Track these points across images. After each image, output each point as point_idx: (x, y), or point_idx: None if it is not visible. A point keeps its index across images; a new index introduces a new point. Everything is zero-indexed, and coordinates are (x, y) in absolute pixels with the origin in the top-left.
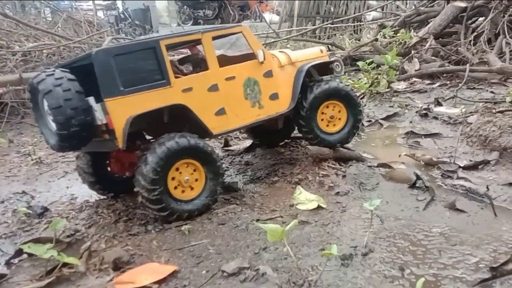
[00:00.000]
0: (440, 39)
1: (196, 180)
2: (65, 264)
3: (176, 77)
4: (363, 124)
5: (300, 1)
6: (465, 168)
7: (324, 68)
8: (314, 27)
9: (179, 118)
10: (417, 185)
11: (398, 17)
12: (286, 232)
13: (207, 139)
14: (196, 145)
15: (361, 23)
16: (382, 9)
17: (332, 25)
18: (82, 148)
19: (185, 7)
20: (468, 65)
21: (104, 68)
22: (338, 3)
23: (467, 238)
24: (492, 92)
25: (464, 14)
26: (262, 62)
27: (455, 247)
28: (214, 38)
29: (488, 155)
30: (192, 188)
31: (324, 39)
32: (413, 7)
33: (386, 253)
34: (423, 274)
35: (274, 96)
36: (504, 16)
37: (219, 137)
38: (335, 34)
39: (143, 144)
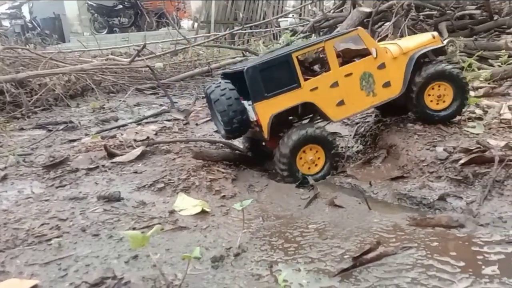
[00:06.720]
0: None
1: (318, 158)
2: None
3: (305, 79)
4: None
5: (217, 6)
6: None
7: (438, 51)
8: (223, 33)
9: (308, 110)
10: (303, 184)
11: (307, 22)
12: (148, 238)
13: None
14: (318, 134)
15: (271, 29)
16: (300, 15)
17: (249, 31)
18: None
19: (95, 15)
20: None
21: (253, 80)
22: (256, 9)
23: (339, 232)
24: None
25: (370, 19)
26: (375, 58)
27: (326, 241)
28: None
29: (377, 152)
30: (316, 165)
31: (239, 45)
32: (321, 13)
33: (259, 252)
34: (290, 270)
35: (386, 84)
36: (405, 20)
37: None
38: (254, 40)
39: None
